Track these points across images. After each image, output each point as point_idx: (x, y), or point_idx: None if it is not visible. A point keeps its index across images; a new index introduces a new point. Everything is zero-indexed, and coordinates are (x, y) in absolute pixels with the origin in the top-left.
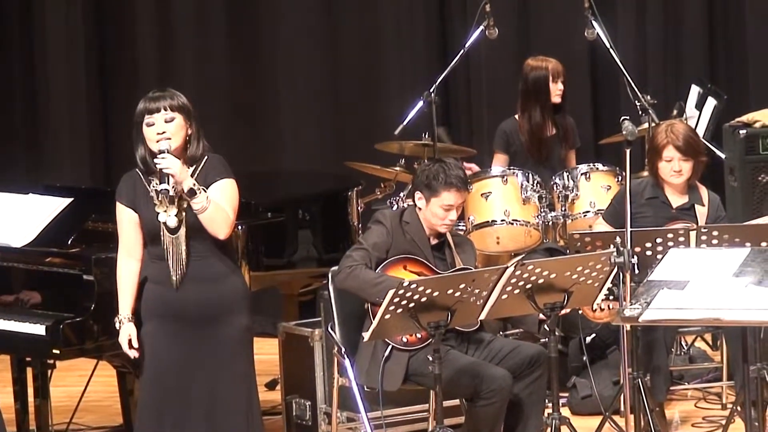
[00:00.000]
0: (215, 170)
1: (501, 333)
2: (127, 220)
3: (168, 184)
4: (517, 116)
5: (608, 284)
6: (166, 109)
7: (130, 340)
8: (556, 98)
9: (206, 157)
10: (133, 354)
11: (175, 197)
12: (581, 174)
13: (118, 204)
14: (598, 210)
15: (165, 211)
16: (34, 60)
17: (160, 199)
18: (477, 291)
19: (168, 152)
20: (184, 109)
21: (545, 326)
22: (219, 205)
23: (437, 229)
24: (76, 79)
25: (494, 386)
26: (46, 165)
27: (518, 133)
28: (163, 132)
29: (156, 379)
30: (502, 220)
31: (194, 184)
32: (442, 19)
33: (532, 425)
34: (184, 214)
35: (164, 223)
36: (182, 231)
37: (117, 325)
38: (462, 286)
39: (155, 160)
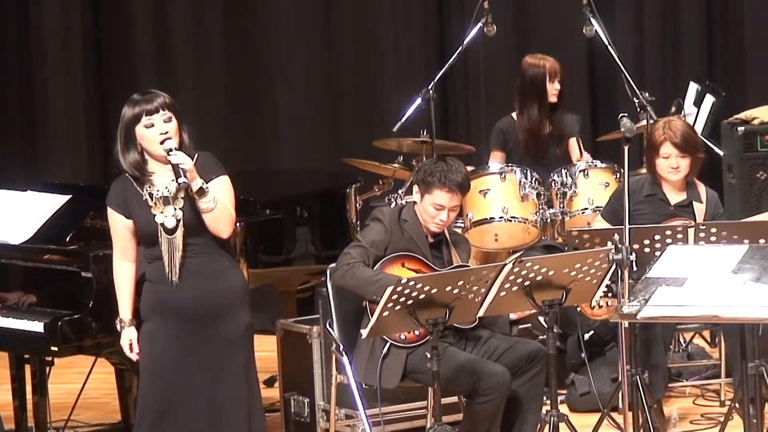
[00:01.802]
0: (210, 168)
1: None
2: (120, 226)
3: (185, 177)
4: (514, 114)
5: (606, 281)
6: (163, 109)
7: (131, 344)
8: (552, 98)
9: (197, 155)
10: (134, 357)
11: (170, 198)
12: (579, 171)
13: (109, 209)
14: (596, 207)
15: (161, 212)
16: (32, 58)
17: (154, 201)
18: (475, 288)
19: (176, 149)
20: (176, 107)
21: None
22: (224, 205)
23: (428, 226)
24: (73, 76)
25: (492, 383)
26: (43, 162)
27: (515, 130)
28: (166, 132)
29: (158, 377)
30: (500, 217)
31: (203, 184)
32: (440, 16)
33: (531, 422)
34: (181, 213)
35: (162, 225)
36: (180, 231)
37: (118, 327)
38: (460, 283)
39: (168, 157)
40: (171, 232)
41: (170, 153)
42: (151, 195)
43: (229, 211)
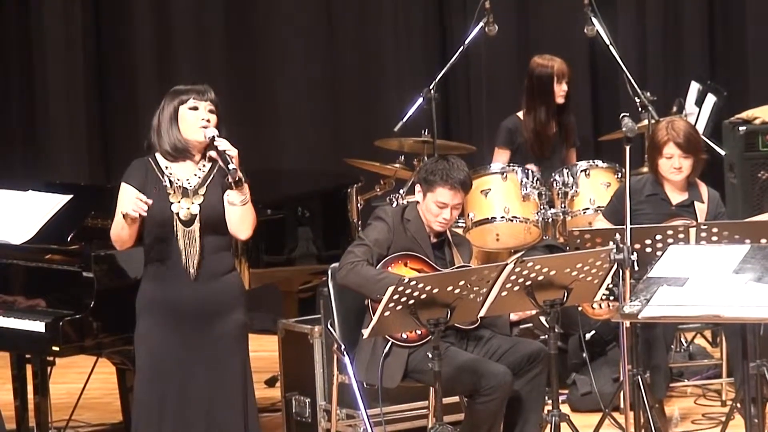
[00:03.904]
0: None
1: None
2: (130, 200)
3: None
4: (519, 114)
5: (608, 281)
6: (211, 102)
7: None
8: (559, 99)
9: None
10: (144, 208)
11: (190, 191)
12: (581, 171)
13: (123, 185)
14: (597, 207)
15: (178, 202)
16: (33, 58)
17: (173, 189)
18: (477, 288)
19: (217, 137)
20: (219, 108)
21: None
22: (251, 205)
23: (431, 225)
24: (74, 76)
25: (494, 383)
26: (45, 162)
27: (521, 130)
28: (208, 120)
29: (156, 375)
30: (501, 217)
31: (242, 175)
32: (441, 15)
33: (532, 422)
34: (198, 208)
35: (177, 215)
36: (196, 225)
37: (121, 210)
38: (462, 283)
39: (215, 143)
40: (187, 224)
41: (215, 140)
42: (171, 182)
43: (253, 213)
